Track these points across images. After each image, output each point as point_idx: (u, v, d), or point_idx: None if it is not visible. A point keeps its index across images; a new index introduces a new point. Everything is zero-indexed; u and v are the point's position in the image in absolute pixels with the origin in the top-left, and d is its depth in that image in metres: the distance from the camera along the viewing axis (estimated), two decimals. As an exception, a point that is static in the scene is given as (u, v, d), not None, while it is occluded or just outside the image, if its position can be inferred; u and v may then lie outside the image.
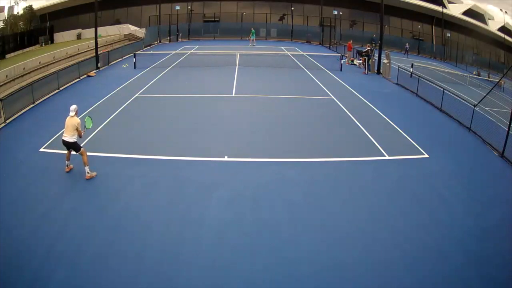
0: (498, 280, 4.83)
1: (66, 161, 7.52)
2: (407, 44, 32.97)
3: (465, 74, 26.04)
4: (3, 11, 30.98)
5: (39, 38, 29.86)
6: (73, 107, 7.32)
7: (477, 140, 10.07)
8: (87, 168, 7.18)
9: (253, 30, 29.72)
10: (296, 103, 12.90)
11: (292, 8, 38.01)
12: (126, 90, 14.13)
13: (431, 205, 6.62)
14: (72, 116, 7.23)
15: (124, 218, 5.96)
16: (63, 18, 34.75)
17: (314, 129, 10.38)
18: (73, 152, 7.40)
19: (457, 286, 4.72)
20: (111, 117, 10.81)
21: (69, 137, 7.20)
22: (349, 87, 15.41)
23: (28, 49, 27.19)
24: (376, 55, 20.03)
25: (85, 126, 7.60)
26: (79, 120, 7.30)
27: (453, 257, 5.21)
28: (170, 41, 31.79)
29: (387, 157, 8.49)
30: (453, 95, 12.96)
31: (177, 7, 34.01)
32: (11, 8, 31.49)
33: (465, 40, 38.24)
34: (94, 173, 7.25)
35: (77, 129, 7.19)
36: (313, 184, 7.22)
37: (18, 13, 31.70)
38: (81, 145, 7.40)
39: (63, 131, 7.30)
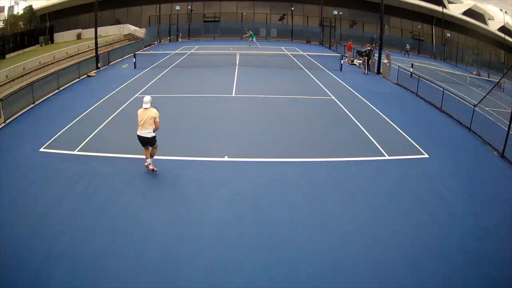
0: (498, 280, 4.83)
1: (147, 159, 7.38)
2: (407, 44, 32.96)
3: (465, 74, 26.04)
4: (3, 11, 30.96)
5: (39, 38, 29.83)
6: (148, 98, 6.99)
7: (477, 140, 10.06)
8: (150, 160, 7.32)
9: (250, 32, 29.61)
10: (296, 103, 12.90)
11: (292, 8, 38.00)
12: (126, 90, 14.13)
13: (431, 205, 6.62)
14: (147, 108, 6.89)
15: (124, 218, 5.95)
16: (63, 18, 34.75)
17: (314, 129, 10.39)
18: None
19: (457, 286, 4.72)
20: (111, 117, 10.81)
21: (147, 131, 6.96)
22: (349, 87, 15.41)
23: (28, 49, 27.17)
24: (376, 55, 20.03)
25: None
26: (156, 111, 7.00)
27: (453, 257, 5.20)
28: (170, 41, 31.78)
29: (387, 157, 8.49)
30: (453, 95, 12.96)
31: (177, 7, 34.01)
32: (11, 8, 31.47)
33: (465, 40, 38.23)
34: (155, 168, 7.35)
35: (155, 121, 6.95)
36: (313, 184, 7.22)
37: (18, 13, 31.66)
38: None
39: (138, 127, 7.01)
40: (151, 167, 7.31)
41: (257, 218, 6.02)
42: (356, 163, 8.20)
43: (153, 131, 7.05)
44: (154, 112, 6.93)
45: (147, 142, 7.11)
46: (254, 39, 28.97)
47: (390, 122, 11.00)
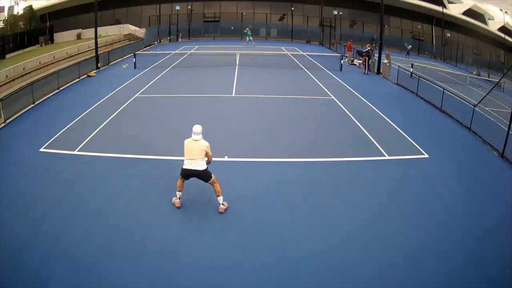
0: (498, 280, 4.83)
1: (178, 192, 6.18)
2: (409, 45, 32.92)
3: (465, 74, 26.05)
4: (3, 11, 30.97)
5: (39, 38, 29.84)
6: (199, 128, 5.85)
7: (477, 140, 10.06)
8: (220, 199, 6.07)
9: (249, 31, 29.67)
10: (296, 103, 12.90)
11: (292, 8, 38.02)
12: (126, 90, 14.13)
13: (431, 205, 6.62)
14: (197, 140, 5.84)
15: (124, 218, 5.95)
16: (63, 18, 34.76)
17: (314, 129, 10.38)
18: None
19: (457, 286, 4.72)
20: (111, 117, 10.81)
21: (197, 163, 5.82)
22: (349, 87, 15.41)
23: (28, 49, 27.18)
24: (376, 55, 20.03)
25: None
26: (207, 143, 5.92)
27: (453, 257, 5.20)
28: (170, 41, 31.80)
29: (387, 157, 8.49)
30: (453, 95, 12.97)
31: (177, 7, 34.02)
32: (11, 8, 31.47)
33: (465, 40, 38.27)
34: (227, 204, 6.17)
35: (206, 153, 5.89)
36: (313, 184, 7.22)
37: (18, 13, 31.67)
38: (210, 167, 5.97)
39: (185, 158, 5.93)
40: (223, 207, 6.09)
41: (257, 218, 6.02)
42: (356, 163, 8.20)
43: (206, 164, 5.99)
44: (205, 144, 5.88)
45: (198, 176, 5.97)
46: (251, 38, 29.00)
47: (390, 122, 11.00)
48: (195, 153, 5.83)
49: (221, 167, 7.82)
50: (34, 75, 18.55)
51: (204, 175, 5.97)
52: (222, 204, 6.10)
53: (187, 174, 5.98)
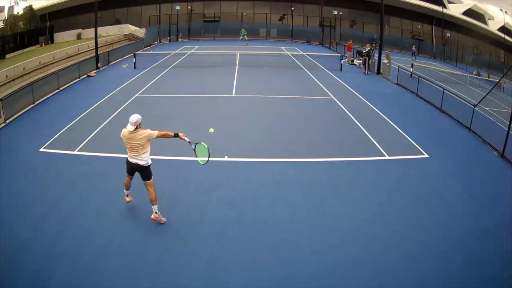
0: (498, 280, 4.83)
1: (126, 191, 6.09)
2: (413, 46, 32.88)
3: (465, 74, 26.05)
4: (3, 11, 30.95)
5: (39, 38, 29.83)
6: (135, 118, 5.27)
7: (477, 140, 10.06)
8: (154, 208, 5.66)
9: (243, 31, 30.53)
10: (296, 103, 12.90)
11: (292, 8, 38.00)
12: (126, 90, 14.14)
13: (431, 205, 6.62)
14: (134, 131, 5.30)
15: (124, 218, 5.96)
16: (63, 18, 34.74)
17: (314, 129, 10.38)
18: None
19: (457, 286, 4.72)
20: (111, 117, 10.81)
21: (139, 157, 5.44)
22: (349, 87, 15.41)
23: (28, 49, 27.15)
24: (376, 55, 20.04)
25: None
26: (147, 132, 5.38)
27: (453, 257, 5.20)
28: (170, 41, 31.80)
29: (387, 157, 8.49)
30: (453, 95, 12.97)
31: (177, 7, 34.03)
32: (11, 8, 31.46)
33: (465, 40, 38.25)
34: (163, 219, 5.75)
35: (149, 138, 5.39)
36: (313, 184, 7.22)
37: (18, 13, 31.64)
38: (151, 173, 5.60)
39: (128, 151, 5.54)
40: (155, 215, 5.70)
41: (257, 218, 6.02)
42: (356, 163, 8.20)
43: (148, 157, 5.52)
44: (142, 133, 5.34)
45: (139, 171, 5.61)
46: (245, 37, 29.72)
47: (390, 122, 11.00)
48: (134, 146, 5.41)
49: (221, 167, 7.84)
50: (34, 75, 18.53)
51: (143, 171, 5.56)
52: (156, 212, 5.68)
53: (131, 167, 5.62)
